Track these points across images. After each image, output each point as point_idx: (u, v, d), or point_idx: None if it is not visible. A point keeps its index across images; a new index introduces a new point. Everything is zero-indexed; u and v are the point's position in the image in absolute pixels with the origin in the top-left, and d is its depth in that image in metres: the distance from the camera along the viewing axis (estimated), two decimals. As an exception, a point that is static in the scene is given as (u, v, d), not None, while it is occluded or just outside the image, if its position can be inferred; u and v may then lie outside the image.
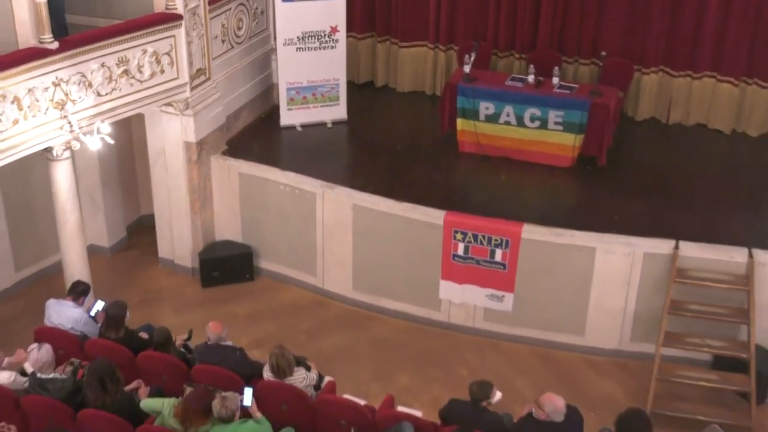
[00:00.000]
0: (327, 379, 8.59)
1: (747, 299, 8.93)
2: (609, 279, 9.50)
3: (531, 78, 10.99)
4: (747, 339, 8.89)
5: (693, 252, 9.19)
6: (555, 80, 10.87)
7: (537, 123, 10.78)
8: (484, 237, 9.68)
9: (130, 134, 11.33)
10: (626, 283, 9.47)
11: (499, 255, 9.69)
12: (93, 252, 10.48)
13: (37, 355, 8.19)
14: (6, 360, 8.38)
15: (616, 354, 9.83)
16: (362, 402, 8.20)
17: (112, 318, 8.93)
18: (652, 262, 9.31)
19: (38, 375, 8.13)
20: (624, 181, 10.71)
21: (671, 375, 9.06)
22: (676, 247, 9.22)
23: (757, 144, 11.44)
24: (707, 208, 10.01)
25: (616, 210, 10.01)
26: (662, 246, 9.29)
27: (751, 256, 9.04)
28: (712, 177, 10.74)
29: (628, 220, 9.68)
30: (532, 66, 11.19)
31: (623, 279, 9.45)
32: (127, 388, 8.15)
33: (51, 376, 8.14)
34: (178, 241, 11.32)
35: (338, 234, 10.50)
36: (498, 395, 7.83)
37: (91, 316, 9.06)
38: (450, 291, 10.11)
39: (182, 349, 8.82)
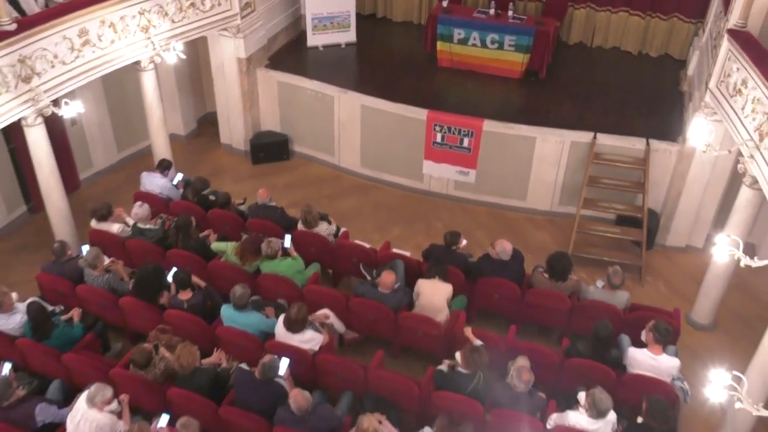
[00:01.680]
0: (342, 229, 8.75)
1: (643, 175, 9.02)
2: (544, 160, 9.57)
3: (492, 11, 10.85)
4: (641, 204, 9.04)
5: (606, 141, 9.24)
6: (510, 13, 10.75)
7: (495, 45, 10.66)
8: (455, 129, 9.69)
9: (197, 52, 11.14)
10: (557, 163, 9.53)
11: (466, 142, 9.71)
12: (173, 138, 10.48)
13: (137, 211, 8.30)
14: (114, 214, 8.49)
15: (548, 214, 10.00)
16: (367, 245, 8.39)
17: (194, 187, 9.02)
18: (576, 148, 9.35)
19: (138, 225, 8.26)
20: (558, 89, 10.64)
21: (587, 229, 9.25)
22: (594, 137, 9.25)
23: (655, 62, 11.30)
24: (618, 110, 10.00)
25: (551, 110, 9.99)
26: (584, 136, 9.31)
27: (648, 144, 9.09)
28: (622, 86, 10.66)
29: (560, 117, 9.70)
30: (493, 2, 10.98)
31: (555, 160, 9.51)
32: (201, 234, 8.30)
33: (147, 226, 8.30)
34: (234, 130, 11.30)
35: (350, 126, 10.48)
36: (464, 242, 8.00)
37: (173, 185, 9.13)
38: (430, 168, 10.19)
39: (239, 208, 8.95)
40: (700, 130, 7.20)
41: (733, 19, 7.47)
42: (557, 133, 9.38)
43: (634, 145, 9.17)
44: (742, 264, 5.67)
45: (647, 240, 9.01)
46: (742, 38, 7.25)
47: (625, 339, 7.03)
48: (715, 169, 8.54)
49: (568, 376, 6.74)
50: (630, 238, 9.18)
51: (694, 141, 7.37)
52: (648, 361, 6.53)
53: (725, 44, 7.53)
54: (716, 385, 4.86)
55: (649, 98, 10.21)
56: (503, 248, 7.66)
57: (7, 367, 6.49)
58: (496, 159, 9.76)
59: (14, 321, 7.06)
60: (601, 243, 9.27)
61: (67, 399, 6.56)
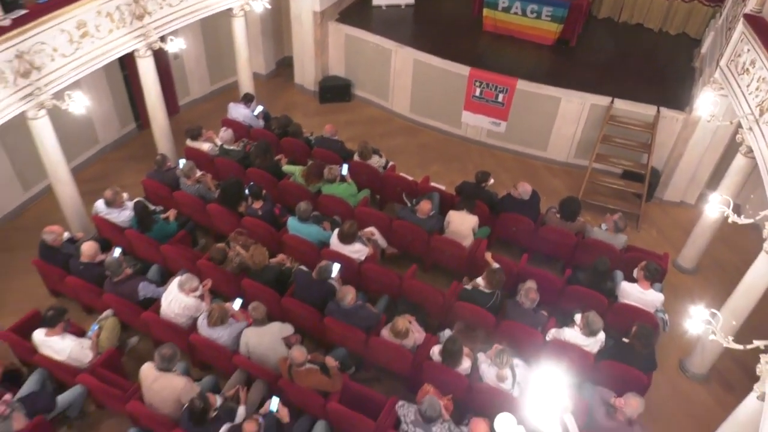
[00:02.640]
0: (390, 163, 8.67)
1: (651, 138, 8.67)
2: (566, 118, 9.23)
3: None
4: (646, 162, 8.73)
5: (622, 106, 8.84)
6: (550, -13, 10.09)
7: (534, 14, 10.09)
8: (492, 85, 9.36)
9: (280, 2, 10.86)
10: (576, 121, 9.19)
11: (500, 98, 9.40)
12: (255, 76, 10.36)
13: (224, 135, 8.33)
14: (205, 135, 8.54)
15: (564, 164, 9.72)
16: (410, 178, 8.32)
17: (279, 121, 8.98)
18: (594, 109, 8.99)
19: (224, 146, 8.30)
20: (584, 57, 10.11)
21: (596, 179, 8.99)
22: (612, 102, 8.86)
23: (673, 40, 10.63)
24: (635, 79, 9.48)
25: (576, 75, 9.52)
26: (602, 100, 8.93)
27: (658, 111, 8.68)
28: (641, 59, 10.08)
29: (584, 82, 9.23)
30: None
31: (575, 118, 9.18)
32: (276, 158, 8.31)
33: (231, 147, 8.33)
34: (306, 73, 11.11)
35: (403, 76, 10.21)
36: (491, 181, 7.87)
37: (254, 115, 9.11)
38: (468, 117, 9.92)
39: (308, 138, 8.90)
40: (707, 102, 6.88)
41: (750, 5, 6.96)
42: (580, 96, 9.00)
43: (645, 111, 8.76)
44: (729, 220, 5.49)
45: (647, 193, 8.74)
46: (756, 23, 6.76)
47: (619, 274, 6.94)
48: (714, 137, 8.15)
49: (567, 299, 6.70)
50: (632, 190, 8.91)
51: (701, 111, 7.05)
52: (637, 294, 6.45)
53: (740, 27, 7.03)
54: (695, 319, 4.78)
55: (664, 71, 9.68)
56: (524, 189, 7.53)
57: (118, 251, 6.73)
58: (524, 114, 9.45)
59: (124, 215, 7.26)
60: (607, 192, 9.03)
61: (163, 280, 6.80)
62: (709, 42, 9.21)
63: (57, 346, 5.76)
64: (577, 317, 6.12)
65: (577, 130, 9.27)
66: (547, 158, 9.77)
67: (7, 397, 5.34)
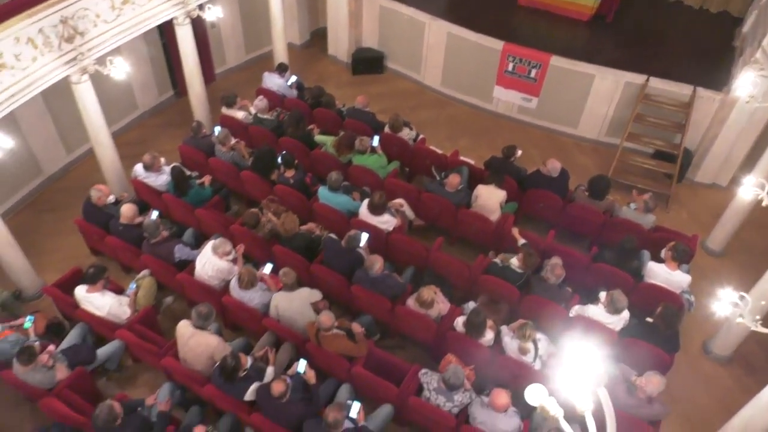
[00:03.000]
0: (420, 136, 8.60)
1: (685, 118, 8.40)
2: (599, 95, 9.00)
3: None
4: (679, 143, 8.47)
5: (657, 84, 8.57)
6: (589, -40, 9.71)
7: (572, -11, 9.79)
8: (526, 61, 9.15)
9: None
10: (610, 99, 8.96)
11: (533, 73, 9.19)
12: (290, 46, 10.32)
13: (258, 104, 8.33)
14: (239, 103, 8.55)
15: (594, 142, 9.50)
16: (439, 151, 8.24)
17: (312, 92, 8.91)
18: (629, 88, 8.73)
19: (258, 115, 8.32)
20: (621, 33, 9.76)
21: (627, 158, 8.78)
22: (647, 80, 8.58)
23: (713, 18, 10.18)
24: (671, 57, 9.14)
25: (611, 51, 9.21)
26: (637, 78, 8.66)
27: (694, 91, 8.39)
28: (679, 37, 9.71)
29: (619, 59, 8.93)
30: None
31: (608, 96, 8.94)
32: (308, 128, 8.30)
33: (265, 116, 8.34)
34: (340, 44, 10.99)
35: (436, 49, 10.03)
36: (519, 152, 7.76)
37: (288, 85, 9.09)
38: (499, 92, 9.74)
39: (340, 109, 8.85)
40: (747, 83, 6.64)
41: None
42: (614, 73, 8.74)
43: (681, 90, 8.48)
44: (764, 204, 5.32)
45: (678, 174, 8.51)
46: (803, 1, 6.45)
47: (646, 254, 6.82)
48: (752, 119, 7.86)
49: (592, 277, 6.62)
50: (663, 170, 8.68)
51: (739, 91, 6.81)
52: (663, 274, 6.34)
53: (786, 6, 6.73)
54: (723, 301, 4.68)
55: (702, 50, 9.31)
56: (553, 166, 7.40)
57: (155, 213, 6.85)
58: (557, 90, 9.22)
59: (161, 180, 7.36)
60: (637, 172, 8.81)
61: (198, 244, 6.91)
62: (752, 21, 8.81)
63: (97, 302, 5.93)
64: (602, 295, 6.06)
65: (610, 108, 9.04)
66: (578, 136, 9.56)
67: (51, 348, 5.54)
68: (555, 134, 9.69)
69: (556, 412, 2.49)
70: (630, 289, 6.28)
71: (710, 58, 9.07)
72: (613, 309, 5.84)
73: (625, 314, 5.95)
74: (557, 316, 6.12)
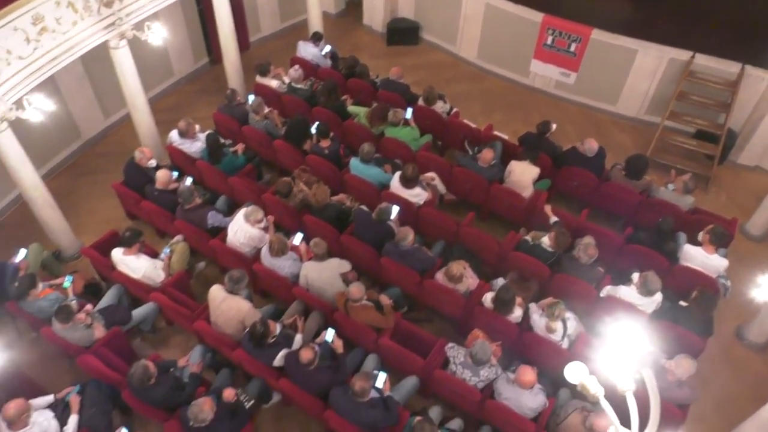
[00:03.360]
0: (454, 109, 8.47)
1: (731, 97, 8.09)
2: (641, 71, 8.70)
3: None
4: (723, 123, 8.17)
5: (703, 61, 8.25)
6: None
7: (618, -41, 9.41)
8: (566, 34, 8.89)
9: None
10: (652, 76, 8.66)
11: (573, 47, 8.93)
12: (324, 15, 10.23)
13: (292, 73, 8.30)
14: (273, 72, 8.53)
15: (633, 120, 9.23)
16: (473, 125, 8.11)
17: (346, 62, 8.83)
18: (673, 64, 8.42)
19: (292, 84, 8.29)
20: (667, 7, 9.29)
21: (667, 137, 8.51)
22: (693, 56, 8.26)
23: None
24: (720, 33, 8.71)
25: (656, 26, 8.84)
26: (683, 54, 8.34)
27: (742, 69, 8.04)
28: (729, 12, 9.22)
29: (664, 34, 8.56)
30: None
31: (651, 73, 8.64)
32: (341, 98, 8.24)
33: (299, 86, 8.30)
34: (375, 14, 10.84)
35: (473, 21, 9.80)
36: (554, 126, 7.59)
37: (322, 54, 9.02)
38: (537, 66, 9.50)
39: (374, 80, 8.76)
40: (801, 62, 6.31)
41: None
42: (658, 49, 8.42)
43: (728, 68, 8.14)
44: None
45: (720, 155, 8.23)
46: None
47: (682, 236, 6.64)
48: (802, 100, 7.55)
49: (626, 258, 6.50)
50: (704, 151, 8.39)
51: (792, 71, 6.48)
52: (700, 257, 6.18)
53: None
54: (763, 287, 4.55)
55: (753, 27, 8.86)
56: (590, 146, 7.22)
57: (189, 180, 6.93)
58: (597, 65, 8.95)
59: (196, 146, 7.43)
60: (676, 152, 8.55)
61: (230, 211, 6.99)
62: (809, -4, 8.38)
63: (133, 264, 6.07)
64: (635, 276, 5.95)
65: (652, 85, 8.74)
66: (616, 113, 9.30)
67: (89, 307, 5.71)
68: (593, 111, 9.44)
69: (597, 390, 2.45)
70: (664, 271, 6.15)
71: (761, 36, 8.66)
72: (646, 291, 5.73)
73: (658, 297, 5.84)
74: (587, 296, 6.04)
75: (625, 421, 2.71)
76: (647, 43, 8.47)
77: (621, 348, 2.50)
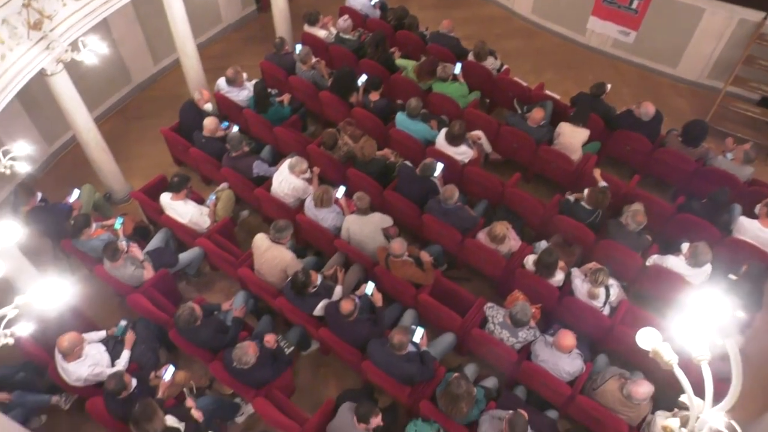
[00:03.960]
0: (505, 66, 8.22)
1: (804, 61, 7.60)
2: (707, 33, 8.20)
3: None
4: (792, 90, 7.72)
5: (776, 23, 7.72)
6: None
7: None
8: (628, -11, 8.44)
9: None
10: (718, 38, 8.16)
11: (635, 4, 8.47)
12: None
13: (340, 23, 8.16)
14: (322, 21, 8.40)
15: (694, 84, 8.79)
16: (524, 83, 7.87)
17: (395, 12, 8.60)
18: (742, 25, 7.91)
19: (340, 35, 8.16)
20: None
21: (729, 104, 8.10)
22: (765, 18, 7.73)
23: None
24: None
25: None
26: (755, 15, 7.81)
27: (819, 32, 7.52)
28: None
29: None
30: None
31: (717, 34, 8.14)
32: (389, 51, 8.08)
33: (347, 36, 8.17)
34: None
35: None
36: (608, 87, 7.32)
37: (371, 5, 8.81)
38: (594, 23, 9.07)
39: (423, 33, 8.53)
40: None
41: None
42: (728, 8, 7.90)
43: (803, 30, 7.64)
44: None
45: (785, 120, 7.80)
46: None
47: (737, 208, 6.39)
48: None
49: (675, 227, 6.31)
50: (768, 120, 8.00)
51: None
52: (755, 231, 5.95)
53: None
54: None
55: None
56: (646, 110, 6.93)
57: (236, 128, 6.98)
58: (659, 24, 8.48)
59: (243, 95, 7.45)
60: (737, 119, 8.13)
61: (274, 161, 7.04)
62: None
63: (180, 209, 6.22)
64: (684, 246, 5.79)
65: (717, 48, 8.26)
66: (676, 76, 8.87)
67: (137, 249, 5.90)
68: (650, 73, 9.02)
69: (671, 358, 2.39)
70: (715, 243, 5.95)
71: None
72: (695, 262, 5.57)
73: (707, 268, 5.67)
74: (632, 264, 5.92)
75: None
76: (716, 1, 7.95)
77: (699, 315, 2.42)
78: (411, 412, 5.30)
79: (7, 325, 2.42)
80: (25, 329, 2.51)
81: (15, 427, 4.57)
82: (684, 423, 2.45)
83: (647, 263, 5.89)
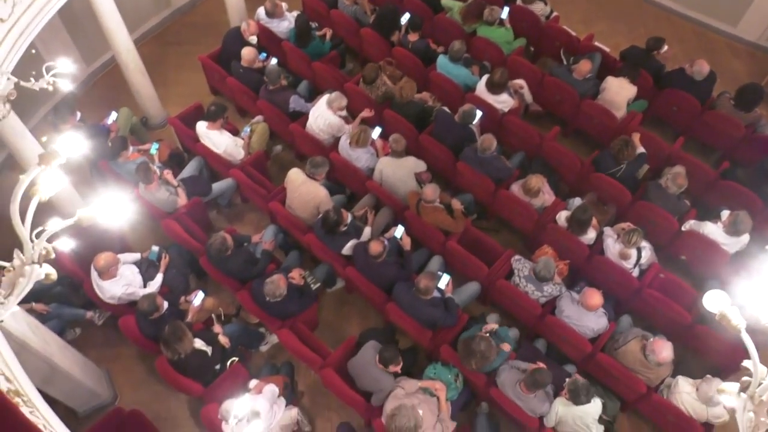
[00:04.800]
0: (554, 13, 7.84)
1: None
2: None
3: None
4: None
5: None
6: None
7: None
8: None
9: None
10: (786, -4, 7.67)
11: (700, -46, 7.95)
12: None
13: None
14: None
15: (753, 45, 8.31)
16: (573, 33, 7.53)
17: None
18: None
19: None
20: None
21: (787, 68, 7.68)
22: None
23: None
24: None
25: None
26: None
27: None
28: None
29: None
30: None
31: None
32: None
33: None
34: None
35: None
36: (665, 48, 6.97)
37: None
38: (653, -27, 8.58)
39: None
40: None
41: None
42: (801, -36, 7.41)
43: None
44: None
45: None
46: None
47: (785, 179, 6.16)
48: None
49: (716, 194, 6.13)
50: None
51: None
52: (801, 203, 5.76)
53: None
54: None
55: None
56: (700, 69, 6.60)
57: (274, 60, 6.86)
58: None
59: (283, 26, 7.28)
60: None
61: (311, 97, 6.93)
62: None
63: (216, 139, 6.21)
64: (724, 213, 5.63)
65: (783, 8, 7.79)
66: (734, 35, 8.39)
67: (171, 176, 5.94)
68: (707, 30, 8.55)
69: (739, 322, 2.34)
70: (757, 213, 5.77)
71: None
72: (734, 230, 5.43)
73: (745, 238, 5.54)
74: (668, 228, 5.79)
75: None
76: (789, -44, 7.44)
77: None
78: (431, 356, 5.40)
79: (49, 240, 2.44)
80: (66, 244, 2.54)
81: (53, 336, 4.76)
82: (743, 388, 2.43)
83: (683, 228, 5.76)
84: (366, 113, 6.39)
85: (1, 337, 3.28)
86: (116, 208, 2.25)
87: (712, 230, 5.54)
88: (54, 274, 2.11)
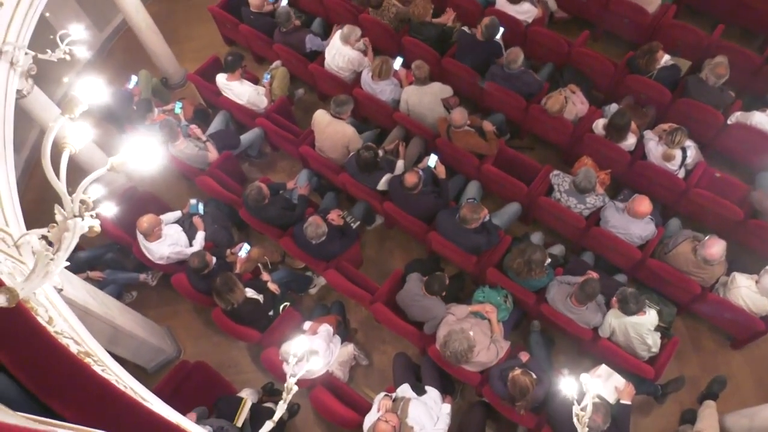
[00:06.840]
0: None
1: None
2: None
3: None
4: None
5: None
6: None
7: None
8: None
9: None
10: None
11: None
12: None
13: None
14: None
15: None
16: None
17: None
18: None
19: None
20: None
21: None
22: None
23: None
24: None
25: None
26: None
27: None
28: None
29: None
30: None
31: None
32: None
33: None
34: None
35: None
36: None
37: None
38: None
39: None
40: None
41: None
42: None
43: None
44: None
45: None
46: None
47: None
48: None
49: (764, 80, 5.79)
50: None
51: None
52: None
53: None
54: None
55: None
56: None
57: (284, 1, 6.63)
58: None
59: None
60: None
61: (326, 34, 6.74)
62: None
63: (237, 90, 6.13)
64: (773, 101, 5.33)
65: None
66: None
67: (198, 131, 5.93)
68: None
69: None
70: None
71: None
72: (786, 118, 5.15)
73: (798, 126, 5.25)
74: (713, 123, 5.53)
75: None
76: None
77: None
78: (477, 280, 5.41)
79: (88, 198, 2.39)
80: (108, 210, 2.55)
81: (112, 300, 4.95)
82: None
83: (729, 121, 5.49)
84: (367, 40, 6.25)
85: (64, 304, 3.41)
86: (147, 152, 2.23)
87: (762, 119, 5.26)
88: (97, 226, 2.11)
